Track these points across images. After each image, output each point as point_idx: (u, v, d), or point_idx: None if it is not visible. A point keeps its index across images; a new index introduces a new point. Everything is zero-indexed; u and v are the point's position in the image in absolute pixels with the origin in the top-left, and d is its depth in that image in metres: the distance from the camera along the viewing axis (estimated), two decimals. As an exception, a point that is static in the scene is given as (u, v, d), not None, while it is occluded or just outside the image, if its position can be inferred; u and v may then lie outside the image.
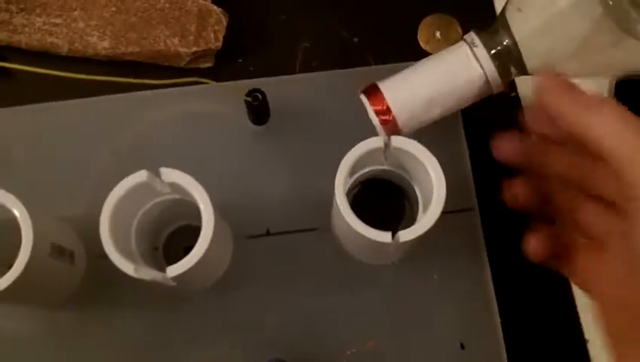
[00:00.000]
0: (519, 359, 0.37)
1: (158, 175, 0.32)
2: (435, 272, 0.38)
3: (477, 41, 0.34)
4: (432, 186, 0.32)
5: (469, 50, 0.34)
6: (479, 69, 0.34)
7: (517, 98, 0.43)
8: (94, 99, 0.40)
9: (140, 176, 0.31)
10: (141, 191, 0.32)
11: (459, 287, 0.38)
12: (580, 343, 0.38)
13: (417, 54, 0.42)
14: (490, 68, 0.33)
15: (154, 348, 0.36)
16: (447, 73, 0.34)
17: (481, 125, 0.40)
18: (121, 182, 0.31)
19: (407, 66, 0.37)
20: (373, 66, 0.42)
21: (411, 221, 0.37)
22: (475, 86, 0.34)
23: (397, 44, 0.43)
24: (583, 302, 0.38)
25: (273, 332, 0.37)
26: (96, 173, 0.39)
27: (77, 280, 0.37)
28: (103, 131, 0.40)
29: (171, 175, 0.31)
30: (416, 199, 0.35)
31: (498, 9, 0.44)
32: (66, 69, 0.40)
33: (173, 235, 0.38)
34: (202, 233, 0.30)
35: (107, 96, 0.40)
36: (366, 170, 0.36)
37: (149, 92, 0.40)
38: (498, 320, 0.37)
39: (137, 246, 0.34)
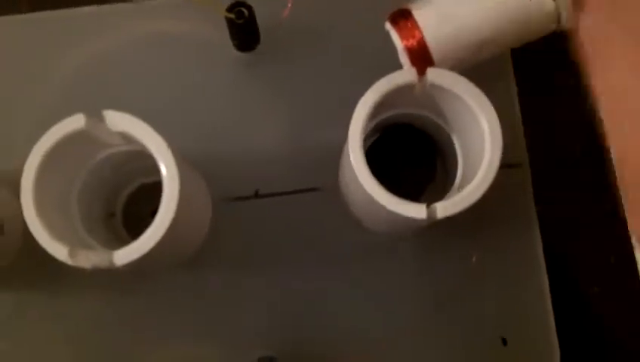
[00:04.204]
0: (576, 356, 0.29)
1: (102, 120, 0.23)
2: (470, 245, 0.30)
3: None
4: (481, 140, 0.23)
5: None
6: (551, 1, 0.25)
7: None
8: (26, 16, 0.31)
9: (76, 121, 0.22)
10: (81, 141, 0.23)
11: (501, 265, 0.29)
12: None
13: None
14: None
15: (109, 343, 0.28)
16: (508, 8, 0.25)
17: (531, 61, 0.32)
18: (50, 131, 0.22)
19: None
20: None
21: (444, 182, 0.29)
22: (542, 23, 0.26)
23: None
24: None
25: (263, 322, 0.29)
26: (35, 117, 0.30)
27: (9, 254, 0.28)
28: (42, 61, 0.31)
29: (119, 120, 0.22)
30: (454, 154, 0.27)
31: None
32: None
33: (134, 196, 0.30)
34: (162, 205, 0.22)
35: (44, 13, 0.31)
36: (388, 114, 0.27)
37: (100, 8, 0.31)
38: (550, 307, 0.29)
39: (82, 216, 0.25)
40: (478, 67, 0.28)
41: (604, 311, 0.31)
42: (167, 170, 0.22)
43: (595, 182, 0.31)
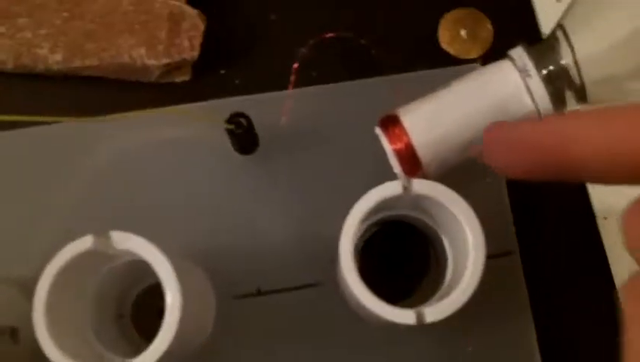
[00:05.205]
0: None
1: (108, 238, 0.24)
2: (466, 335, 0.30)
3: (530, 66, 0.26)
4: (466, 242, 0.24)
5: (519, 81, 0.26)
6: (531, 104, 0.26)
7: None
8: (36, 129, 0.32)
9: (84, 243, 0.24)
10: (90, 257, 0.25)
11: (496, 356, 0.30)
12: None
13: (439, 57, 0.35)
14: (546, 103, 0.26)
15: None
16: (491, 110, 0.27)
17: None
18: (60, 251, 0.24)
19: (429, 74, 0.33)
20: (387, 77, 0.34)
21: (437, 278, 0.30)
22: None
23: (413, 46, 0.35)
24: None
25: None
26: (50, 221, 0.32)
27: (23, 360, 0.30)
28: (55, 168, 0.33)
29: (124, 241, 0.24)
30: (444, 252, 0.28)
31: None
32: (10, 86, 0.35)
33: (141, 297, 0.31)
34: (166, 320, 0.23)
35: (57, 125, 0.32)
36: (380, 216, 0.28)
37: (107, 118, 0.33)
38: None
39: (93, 322, 0.27)
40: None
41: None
42: (170, 293, 0.23)
43: (587, 265, 0.32)
